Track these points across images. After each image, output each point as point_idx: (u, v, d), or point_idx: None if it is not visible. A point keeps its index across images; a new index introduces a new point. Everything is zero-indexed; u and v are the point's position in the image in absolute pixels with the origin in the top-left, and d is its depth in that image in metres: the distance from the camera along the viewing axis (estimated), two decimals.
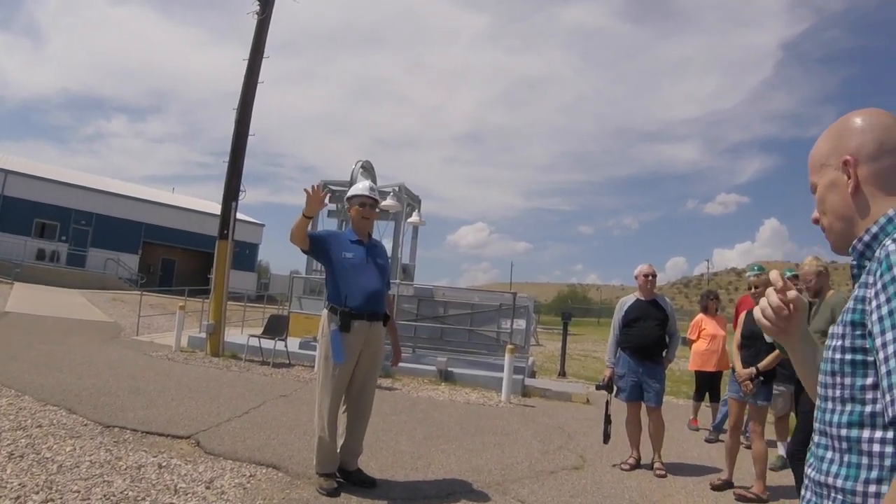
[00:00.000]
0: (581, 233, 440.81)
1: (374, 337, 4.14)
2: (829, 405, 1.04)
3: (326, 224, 14.74)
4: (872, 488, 0.93)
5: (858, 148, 1.10)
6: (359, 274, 4.09)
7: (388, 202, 13.44)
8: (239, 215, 11.69)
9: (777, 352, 4.53)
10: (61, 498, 3.29)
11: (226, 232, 10.98)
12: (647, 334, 5.26)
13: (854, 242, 1.09)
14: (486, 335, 10.96)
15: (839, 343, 1.03)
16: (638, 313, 5.34)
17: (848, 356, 1.00)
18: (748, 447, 5.30)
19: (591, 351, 20.85)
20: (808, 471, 1.08)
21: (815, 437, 1.08)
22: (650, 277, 5.42)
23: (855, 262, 1.10)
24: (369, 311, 4.09)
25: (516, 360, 8.91)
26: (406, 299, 11.17)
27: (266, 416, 5.90)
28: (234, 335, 11.80)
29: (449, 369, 9.54)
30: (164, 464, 4.07)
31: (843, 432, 0.99)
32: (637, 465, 5.24)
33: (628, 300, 5.54)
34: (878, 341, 0.92)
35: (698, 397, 7.69)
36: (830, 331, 1.07)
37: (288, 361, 10.02)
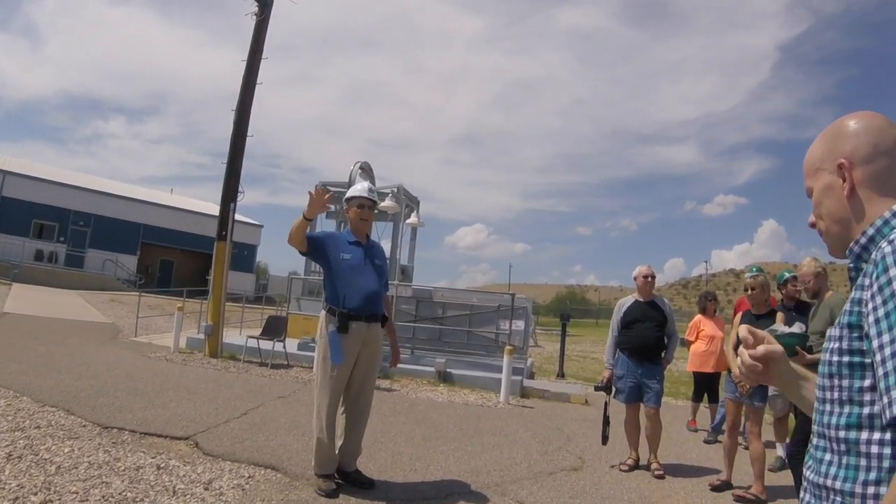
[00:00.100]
0: (579, 234, 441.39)
1: (372, 338, 4.14)
2: (828, 407, 1.04)
3: (325, 225, 14.73)
4: (871, 490, 0.93)
5: (853, 151, 1.10)
6: (357, 275, 4.09)
7: (386, 203, 13.45)
8: (237, 216, 11.67)
9: None
10: (60, 499, 3.29)
11: (224, 233, 10.97)
12: (646, 335, 5.27)
13: (851, 245, 1.10)
14: (485, 336, 10.95)
15: (836, 345, 1.03)
16: (636, 314, 5.35)
17: (845, 358, 1.01)
18: (747, 448, 5.30)
19: (589, 352, 20.86)
20: (807, 473, 1.08)
21: (814, 440, 1.08)
22: (649, 279, 5.42)
23: (852, 265, 1.10)
24: (367, 312, 4.09)
25: (515, 361, 8.91)
26: (404, 300, 11.16)
27: (265, 417, 5.90)
28: (232, 336, 11.79)
29: (447, 370, 9.54)
30: (162, 465, 4.07)
31: (842, 434, 0.99)
32: (636, 466, 5.25)
33: (627, 301, 5.54)
34: (875, 343, 0.92)
35: (697, 398, 7.70)
36: (828, 333, 1.07)
37: (286, 362, 10.01)
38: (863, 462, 0.95)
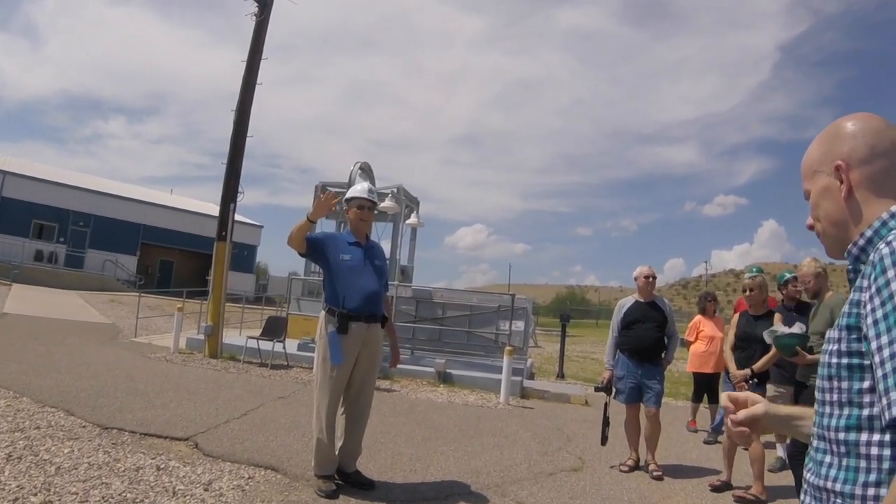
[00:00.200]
0: (579, 234, 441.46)
1: (372, 338, 4.14)
2: (827, 409, 1.04)
3: (325, 226, 14.72)
4: (871, 492, 0.93)
5: (850, 153, 1.10)
6: (356, 276, 4.09)
7: (386, 204, 13.44)
8: (237, 217, 11.67)
9: (772, 353, 4.54)
10: (59, 500, 3.29)
11: (224, 233, 10.97)
12: (646, 336, 5.26)
13: (849, 247, 1.10)
14: (485, 337, 10.95)
15: (835, 347, 1.03)
16: (637, 315, 5.34)
17: (844, 360, 1.01)
18: (746, 448, 5.30)
19: (589, 352, 20.86)
20: (807, 475, 1.08)
21: (814, 442, 1.08)
22: (650, 279, 5.42)
23: (851, 267, 1.10)
24: (367, 312, 4.09)
25: (515, 362, 8.91)
26: (404, 301, 11.15)
27: (264, 417, 5.90)
28: (232, 337, 11.79)
29: (447, 371, 9.54)
30: (162, 466, 4.07)
31: (841, 436, 0.99)
32: (636, 467, 5.24)
33: (627, 302, 5.54)
34: (874, 345, 0.92)
35: (697, 399, 7.70)
36: (827, 335, 1.07)
37: (286, 363, 10.01)
38: (863, 464, 0.95)
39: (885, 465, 0.92)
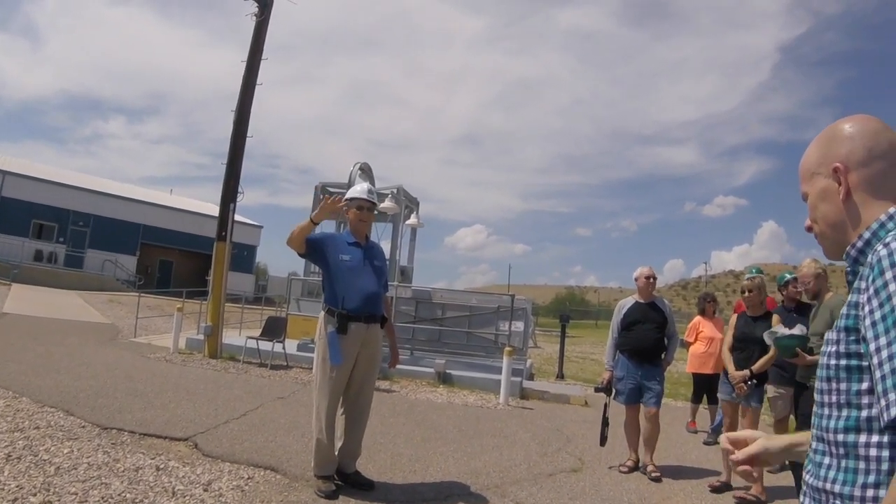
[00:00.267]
0: (579, 235, 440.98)
1: (371, 339, 4.14)
2: (826, 411, 1.04)
3: (324, 226, 14.71)
4: (870, 493, 0.93)
5: (848, 155, 1.10)
6: (356, 276, 4.09)
7: (386, 204, 13.44)
8: (237, 217, 11.67)
9: (770, 354, 4.54)
10: (59, 500, 3.28)
11: (224, 233, 10.98)
12: (646, 337, 5.26)
13: (848, 249, 1.10)
14: (485, 337, 10.95)
15: (834, 349, 1.03)
16: (637, 316, 5.34)
17: (843, 361, 1.01)
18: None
19: (589, 353, 20.87)
20: (807, 477, 1.08)
21: (813, 443, 1.08)
22: (651, 279, 5.42)
23: (849, 269, 1.10)
24: (367, 313, 4.09)
25: (514, 363, 8.91)
26: (404, 301, 11.16)
27: (264, 418, 5.90)
28: (231, 337, 11.79)
29: (447, 371, 9.54)
30: (161, 466, 4.06)
31: (840, 438, 0.99)
32: (636, 468, 5.24)
33: (627, 303, 5.54)
34: (872, 346, 0.92)
35: (696, 400, 7.70)
36: (826, 337, 1.07)
37: (286, 363, 10.01)
38: (861, 465, 0.95)
39: (884, 466, 0.92)
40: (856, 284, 1.02)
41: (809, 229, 1.19)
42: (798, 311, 5.38)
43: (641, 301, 5.43)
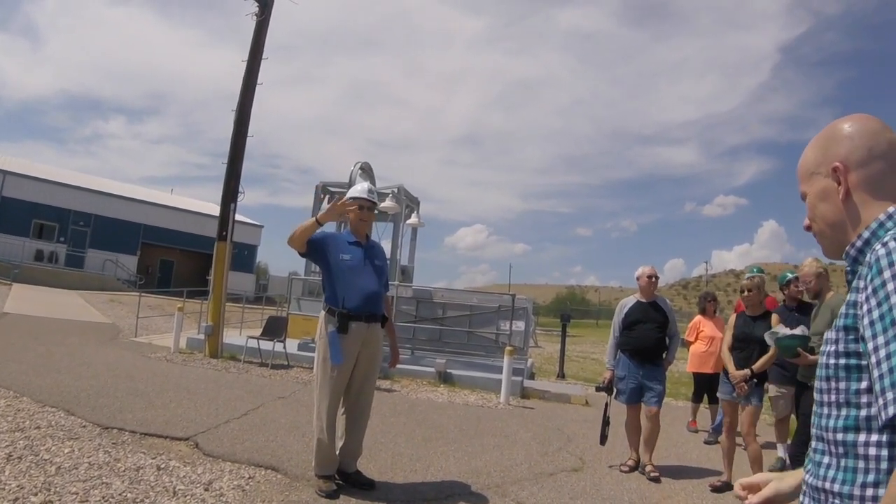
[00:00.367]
0: (579, 235, 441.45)
1: (372, 338, 4.14)
2: (825, 410, 1.04)
3: (324, 226, 14.71)
4: (869, 492, 0.93)
5: (847, 155, 1.10)
6: (356, 275, 4.09)
7: (386, 204, 13.44)
8: (237, 217, 11.67)
9: (771, 353, 4.53)
10: (60, 500, 3.29)
11: (224, 233, 10.97)
12: (648, 336, 5.25)
13: (847, 248, 1.10)
14: (485, 337, 10.95)
15: (833, 348, 1.03)
16: (638, 315, 5.33)
17: (842, 361, 1.01)
18: (746, 448, 5.30)
19: (589, 353, 20.86)
20: (806, 476, 1.08)
21: (813, 443, 1.08)
22: (653, 279, 5.40)
23: (849, 268, 1.10)
24: (367, 312, 4.08)
25: (515, 362, 8.91)
26: (405, 301, 11.16)
27: (265, 417, 5.90)
28: (232, 336, 11.79)
29: (448, 371, 9.54)
30: (162, 465, 4.07)
31: (839, 437, 0.99)
32: (636, 467, 5.24)
33: (628, 302, 5.52)
34: (870, 345, 0.92)
35: (697, 399, 7.70)
36: (825, 336, 1.08)
37: (286, 363, 10.02)
38: (860, 464, 0.95)
39: (883, 465, 0.92)
40: (854, 284, 1.03)
41: (808, 228, 1.19)
42: (800, 310, 5.38)
43: (643, 300, 5.42)
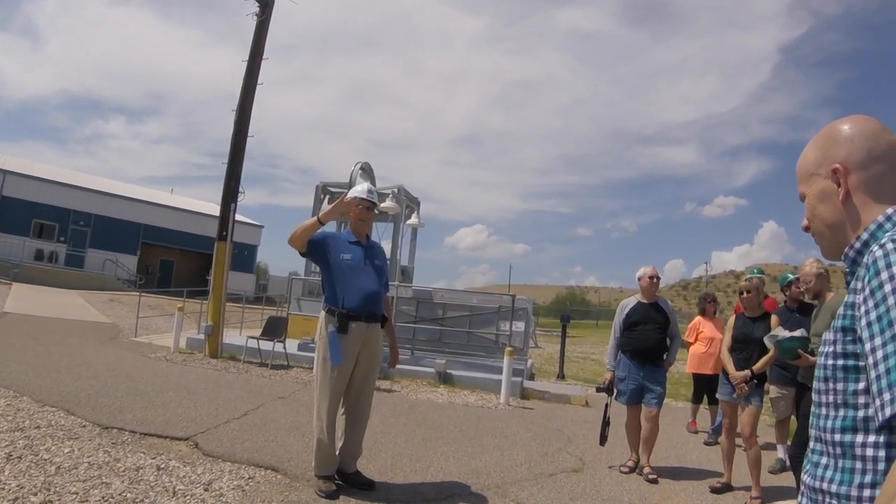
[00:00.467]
0: (579, 235, 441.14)
1: (371, 338, 4.14)
2: (823, 411, 1.05)
3: (325, 226, 14.72)
4: (867, 493, 0.94)
5: (847, 156, 1.10)
6: (356, 275, 4.09)
7: (387, 204, 13.46)
8: (238, 217, 11.67)
9: (770, 354, 4.53)
10: (59, 499, 3.29)
11: (225, 233, 10.98)
12: (649, 337, 5.24)
13: (846, 250, 1.10)
14: (485, 337, 10.95)
15: (831, 349, 1.04)
16: (639, 316, 5.32)
17: (840, 361, 1.01)
18: (746, 449, 5.31)
19: (589, 353, 20.85)
20: (804, 477, 1.08)
21: (811, 444, 1.09)
22: (654, 279, 5.39)
23: (848, 270, 1.11)
24: (367, 312, 4.08)
25: (515, 363, 8.91)
26: (405, 301, 11.16)
27: (265, 417, 5.90)
28: (232, 337, 11.79)
29: (448, 371, 9.54)
30: (162, 465, 4.07)
31: (837, 437, 1.00)
32: (636, 468, 5.23)
33: (629, 303, 5.51)
34: (868, 346, 0.93)
35: (696, 400, 7.70)
36: (823, 337, 1.08)
37: (286, 363, 10.02)
38: (858, 465, 0.96)
39: (881, 465, 0.93)
40: (852, 285, 1.03)
41: (807, 229, 1.20)
42: (801, 311, 5.38)
43: (644, 301, 5.41)
